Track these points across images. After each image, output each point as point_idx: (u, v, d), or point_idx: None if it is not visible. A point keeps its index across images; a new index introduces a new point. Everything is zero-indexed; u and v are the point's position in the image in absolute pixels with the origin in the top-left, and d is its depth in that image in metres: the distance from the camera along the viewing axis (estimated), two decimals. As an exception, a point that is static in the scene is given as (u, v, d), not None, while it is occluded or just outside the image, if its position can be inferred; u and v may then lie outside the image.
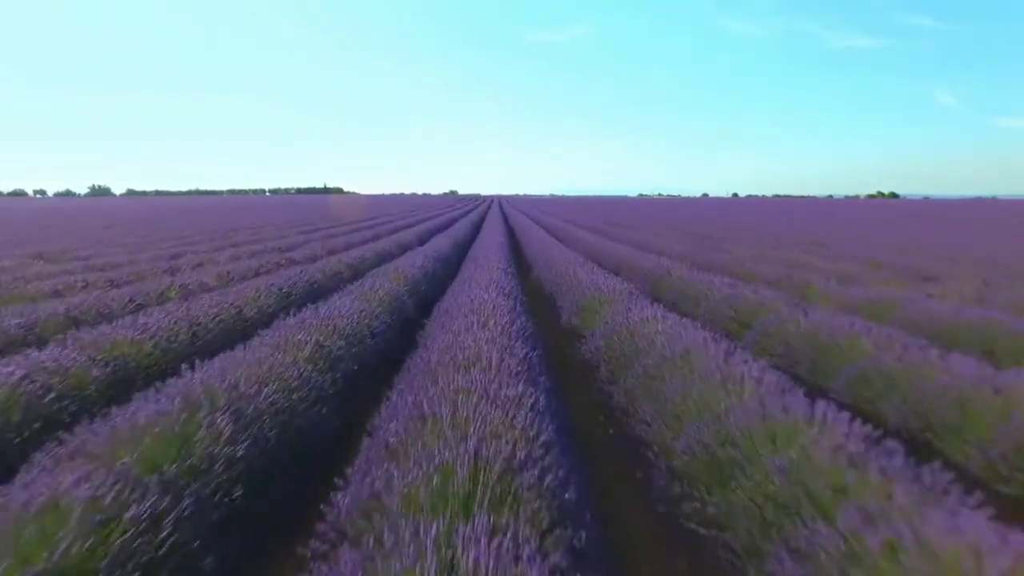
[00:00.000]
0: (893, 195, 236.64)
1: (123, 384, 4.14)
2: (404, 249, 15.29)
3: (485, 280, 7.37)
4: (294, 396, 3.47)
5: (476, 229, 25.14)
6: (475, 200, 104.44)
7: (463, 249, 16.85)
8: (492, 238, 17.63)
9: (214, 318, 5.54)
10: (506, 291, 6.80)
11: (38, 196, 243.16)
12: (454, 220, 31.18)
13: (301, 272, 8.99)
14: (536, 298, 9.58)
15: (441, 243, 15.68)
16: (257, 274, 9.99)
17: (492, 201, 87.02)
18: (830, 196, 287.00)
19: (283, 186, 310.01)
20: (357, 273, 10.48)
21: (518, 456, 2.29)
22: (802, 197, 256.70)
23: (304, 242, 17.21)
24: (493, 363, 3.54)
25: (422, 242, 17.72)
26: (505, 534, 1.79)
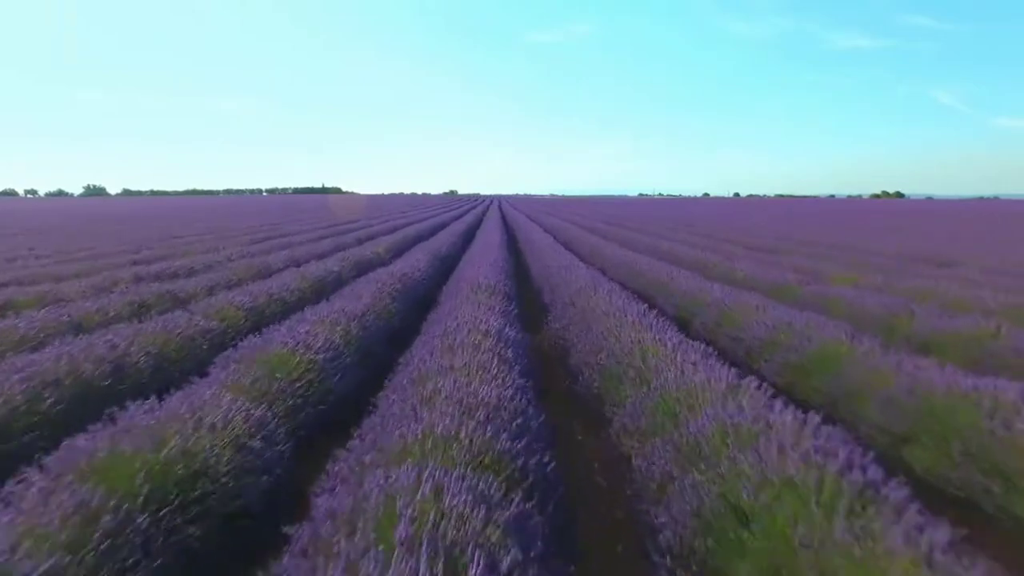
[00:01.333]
0: (899, 195, 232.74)
1: None
2: (363, 270, 11.06)
3: (460, 389, 3.12)
4: None
5: (469, 236, 20.90)
6: (473, 200, 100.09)
7: (448, 263, 12.63)
8: (487, 249, 13.37)
9: None
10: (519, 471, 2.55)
11: (29, 196, 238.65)
12: (444, 224, 26.91)
13: (86, 346, 4.67)
14: (558, 383, 5.35)
15: (416, 260, 11.45)
16: (73, 332, 5.72)
17: (492, 201, 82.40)
18: (832, 196, 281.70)
19: (280, 186, 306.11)
20: (248, 327, 6.20)
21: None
22: (804, 197, 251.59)
23: (237, 257, 12.99)
24: None
25: (394, 257, 13.50)
26: None
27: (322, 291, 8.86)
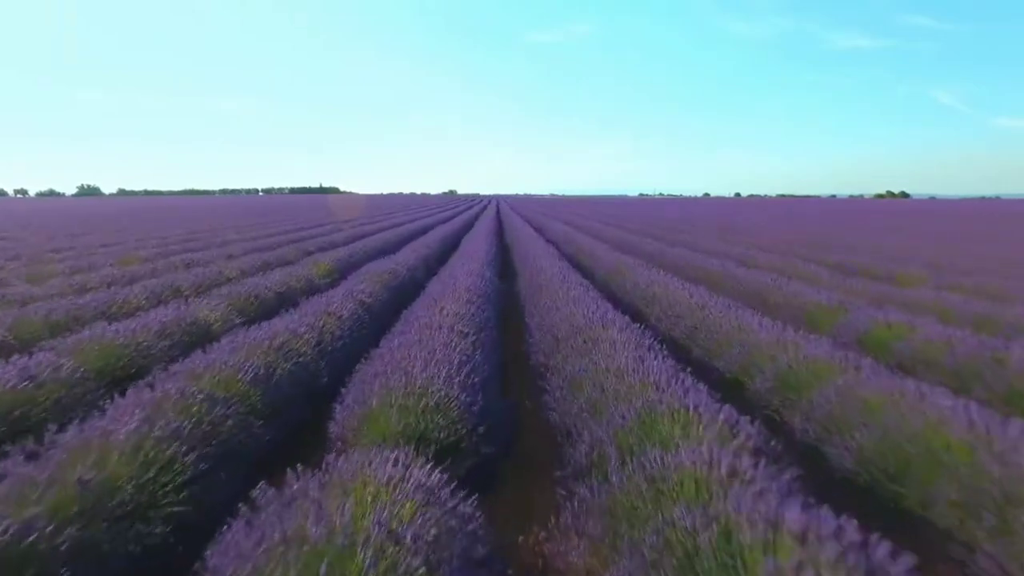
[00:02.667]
0: (904, 194, 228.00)
1: None
2: (259, 315, 6.75)
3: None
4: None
5: (454, 243, 16.61)
6: (471, 200, 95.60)
7: (405, 293, 8.37)
8: (466, 273, 9.01)
9: None
10: None
11: (19, 196, 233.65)
12: (428, 228, 22.63)
13: None
14: None
15: (351, 296, 7.15)
16: None
17: (489, 201, 77.72)
18: (833, 196, 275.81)
19: (278, 185, 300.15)
20: None
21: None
22: (806, 197, 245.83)
23: (76, 289, 8.73)
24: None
25: (337, 280, 9.22)
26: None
27: (114, 379, 4.55)
